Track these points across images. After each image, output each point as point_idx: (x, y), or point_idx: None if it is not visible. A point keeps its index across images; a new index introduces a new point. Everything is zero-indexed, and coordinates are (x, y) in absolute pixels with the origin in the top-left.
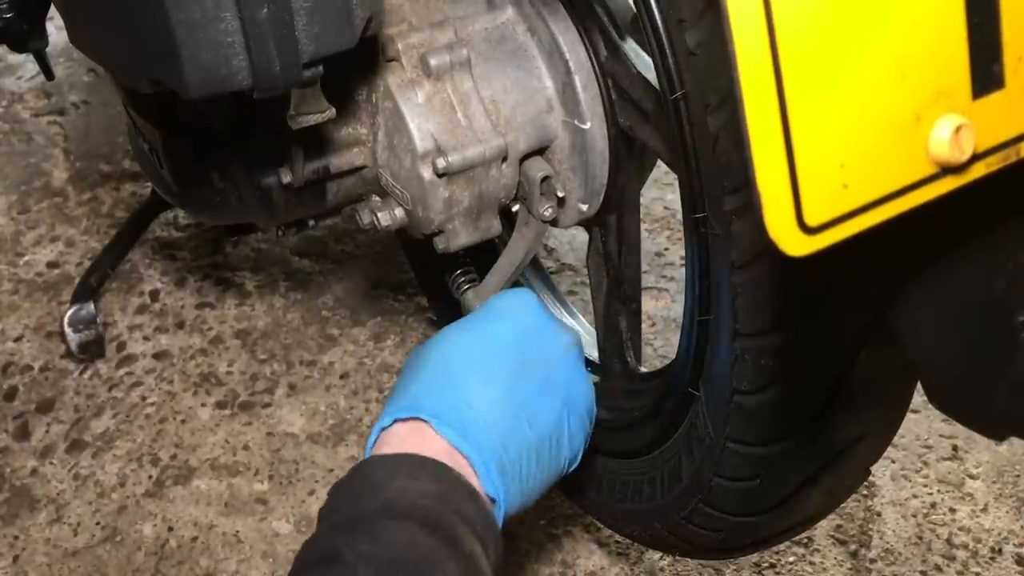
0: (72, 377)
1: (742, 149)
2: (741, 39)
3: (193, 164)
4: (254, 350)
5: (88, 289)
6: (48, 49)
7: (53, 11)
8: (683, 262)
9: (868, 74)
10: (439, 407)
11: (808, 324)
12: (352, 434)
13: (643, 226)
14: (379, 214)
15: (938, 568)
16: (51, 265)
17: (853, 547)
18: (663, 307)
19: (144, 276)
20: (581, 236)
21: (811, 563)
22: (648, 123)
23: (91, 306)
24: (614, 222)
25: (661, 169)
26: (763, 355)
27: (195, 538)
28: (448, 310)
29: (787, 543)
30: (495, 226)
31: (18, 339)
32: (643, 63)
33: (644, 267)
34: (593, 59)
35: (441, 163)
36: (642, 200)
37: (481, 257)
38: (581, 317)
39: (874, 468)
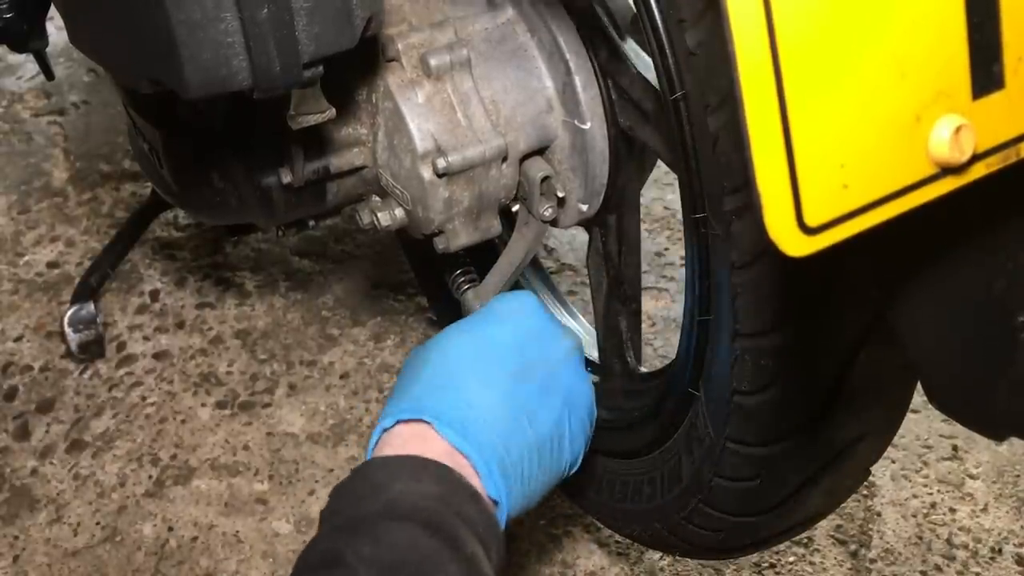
0: (72, 377)
1: (742, 149)
2: (741, 39)
3: (193, 164)
4: (254, 350)
5: (88, 289)
6: (48, 49)
7: (53, 11)
8: (683, 262)
9: (868, 74)
10: (441, 409)
11: (808, 324)
12: (352, 434)
13: (643, 226)
14: (379, 214)
15: (938, 568)
16: (51, 265)
17: (853, 547)
18: (663, 307)
19: (144, 276)
20: (581, 236)
21: (811, 563)
22: (648, 123)
23: (91, 306)
24: (614, 222)
25: (661, 169)
26: (763, 355)
27: (195, 538)
28: (448, 310)
29: (787, 543)
30: (495, 226)
31: (18, 339)
32: (643, 63)
33: (644, 267)
34: (593, 59)
35: (441, 163)
36: (642, 200)
37: (481, 257)
38: (581, 317)
39: (874, 468)
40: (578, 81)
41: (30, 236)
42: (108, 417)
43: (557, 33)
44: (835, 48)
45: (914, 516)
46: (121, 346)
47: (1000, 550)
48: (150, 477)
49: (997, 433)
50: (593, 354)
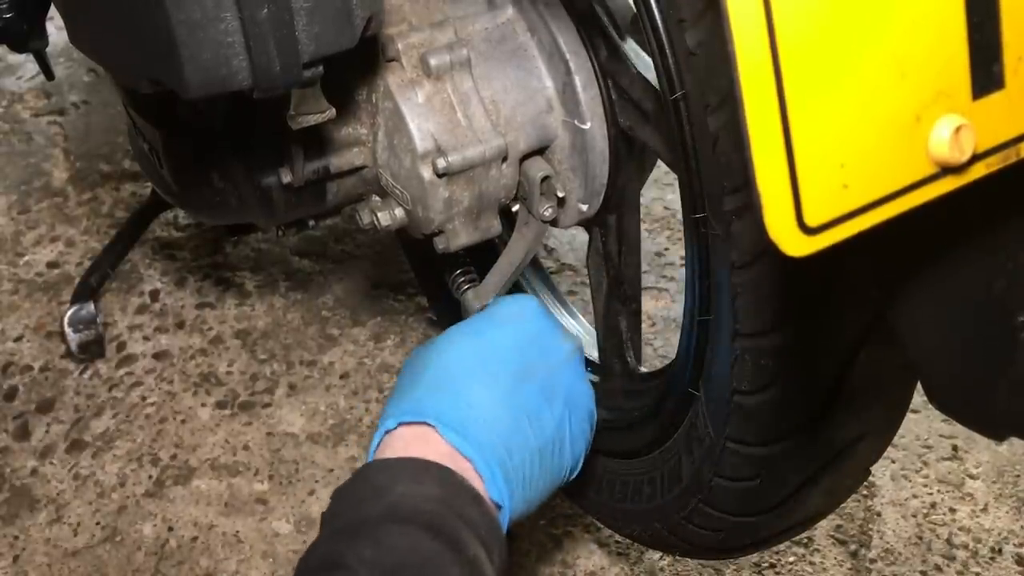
0: (72, 377)
1: (742, 149)
2: (741, 39)
3: (193, 164)
4: (254, 350)
5: (88, 289)
6: (48, 49)
7: (53, 11)
8: (683, 262)
9: (868, 74)
10: (443, 411)
11: (808, 324)
12: (352, 434)
13: (643, 226)
14: (379, 214)
15: (938, 568)
16: (51, 265)
17: (853, 547)
18: (663, 307)
19: (144, 276)
20: (581, 236)
21: (811, 563)
22: (648, 123)
23: (91, 306)
24: (614, 222)
25: (661, 169)
26: (763, 355)
27: (195, 538)
28: (448, 310)
29: (787, 543)
30: (495, 226)
31: (18, 339)
32: (643, 63)
33: (644, 267)
34: (593, 59)
35: (441, 163)
36: (642, 200)
37: (481, 257)
38: (581, 317)
39: (874, 468)
40: (578, 81)
41: (30, 236)
42: (108, 417)
43: (557, 33)
44: (835, 48)
45: (914, 516)
46: (121, 346)
47: (1000, 550)
48: (150, 477)
49: (997, 433)
50: (593, 354)
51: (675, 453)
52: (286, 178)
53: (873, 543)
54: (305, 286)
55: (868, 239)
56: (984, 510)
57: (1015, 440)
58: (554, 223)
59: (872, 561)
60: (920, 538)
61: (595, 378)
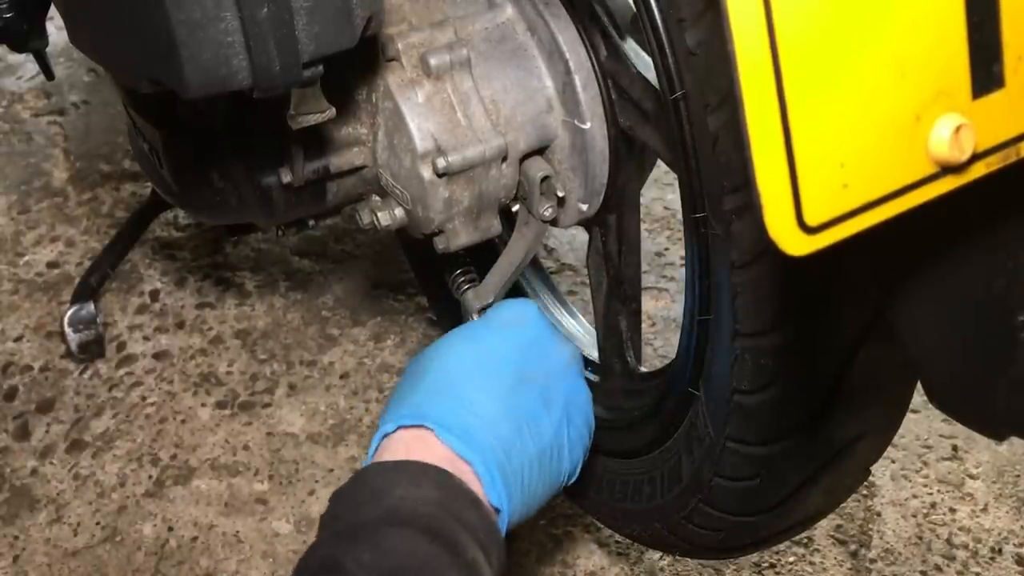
0: (72, 377)
1: (742, 149)
2: (741, 39)
3: (193, 164)
4: (254, 350)
5: (88, 289)
6: (48, 49)
7: (53, 11)
8: (683, 262)
9: (868, 74)
10: (442, 415)
11: (808, 323)
12: (352, 434)
13: (643, 226)
14: (379, 214)
15: (938, 568)
16: (51, 265)
17: (853, 547)
18: (663, 307)
19: (144, 276)
20: (581, 236)
21: (811, 563)
22: (648, 123)
23: (91, 306)
24: (614, 222)
25: (661, 169)
26: (763, 354)
27: (195, 538)
28: (448, 310)
29: (787, 543)
30: (495, 226)
31: (18, 339)
32: (643, 63)
33: (644, 267)
34: (593, 59)
35: (441, 163)
36: (642, 200)
37: (481, 257)
38: (581, 317)
39: (874, 468)
40: (578, 81)
41: (30, 236)
42: (108, 417)
43: (557, 32)
44: (835, 47)
45: (914, 516)
46: (121, 346)
47: (1000, 550)
48: (150, 477)
49: (997, 432)
50: (593, 354)
51: (675, 453)
52: (286, 178)
53: (873, 543)
54: (305, 286)
55: (868, 238)
56: (984, 510)
57: (1015, 440)
58: (554, 223)
59: (872, 561)
60: (920, 538)
61: (595, 378)
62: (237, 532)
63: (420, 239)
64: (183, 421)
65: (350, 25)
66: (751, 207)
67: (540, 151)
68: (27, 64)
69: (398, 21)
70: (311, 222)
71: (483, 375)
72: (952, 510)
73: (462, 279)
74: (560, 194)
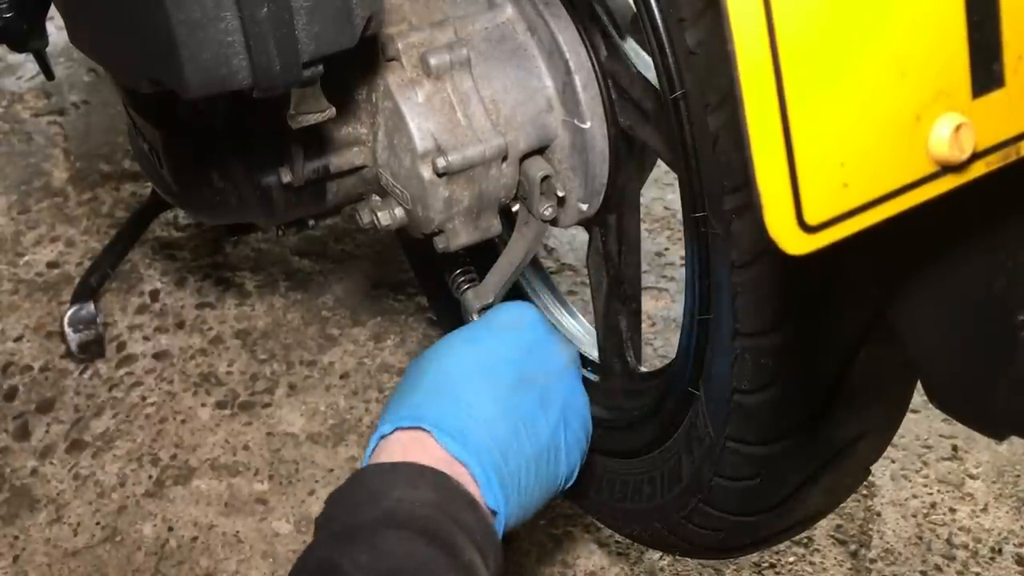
0: (72, 377)
1: (742, 148)
2: (741, 38)
3: (193, 164)
4: (254, 350)
5: (88, 289)
6: (48, 49)
7: (53, 11)
8: (683, 262)
9: (868, 73)
10: (440, 417)
11: (808, 323)
12: (352, 434)
13: (643, 226)
14: (379, 214)
15: (938, 568)
16: (51, 265)
17: (853, 547)
18: (663, 307)
19: (144, 276)
20: (581, 236)
21: (811, 563)
22: (648, 122)
23: (91, 306)
24: (614, 222)
25: (661, 169)
26: (763, 354)
27: (195, 538)
28: (448, 310)
29: (787, 543)
30: (495, 226)
31: (18, 339)
32: (643, 62)
33: (644, 267)
34: (593, 58)
35: (441, 162)
36: (642, 200)
37: (481, 257)
38: (581, 317)
39: (874, 468)
40: (578, 80)
41: (30, 236)
42: (108, 417)
43: (557, 32)
44: (835, 47)
45: (914, 516)
46: (121, 346)
47: (1000, 550)
48: (150, 477)
49: (997, 432)
50: (593, 354)
51: (675, 452)
52: (286, 178)
53: (873, 543)
54: (305, 286)
55: (868, 237)
56: (984, 510)
57: (1015, 440)
58: (554, 223)
59: (872, 561)
60: (920, 538)
61: (595, 378)
62: (237, 532)
63: (420, 239)
64: (183, 421)
65: (350, 25)
66: (751, 206)
67: (540, 151)
68: (27, 64)
69: (398, 21)
70: (311, 222)
71: (482, 377)
72: (952, 510)
73: (462, 279)
74: (560, 194)
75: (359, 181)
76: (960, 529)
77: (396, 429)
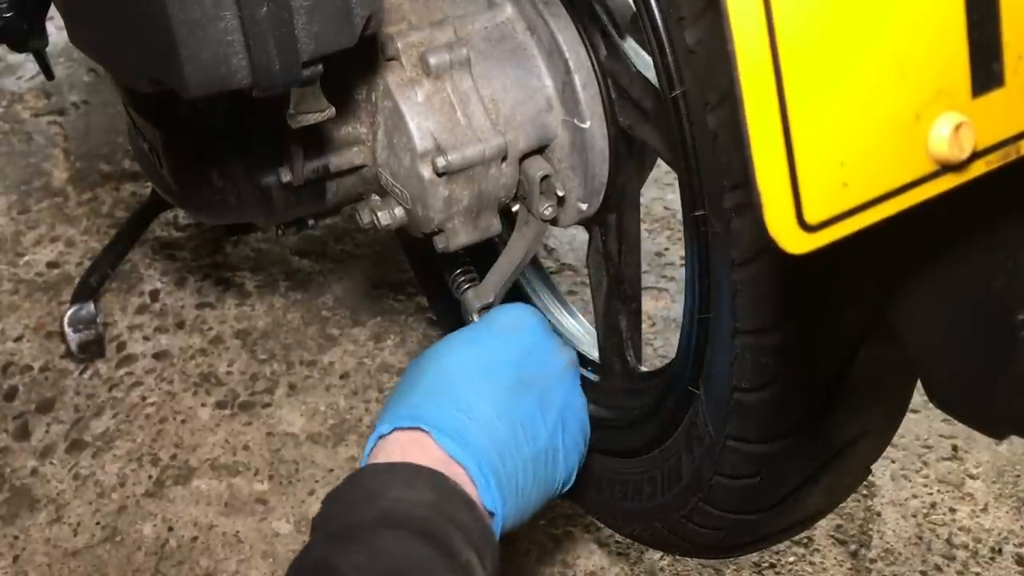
0: (72, 377)
1: (742, 147)
2: (741, 38)
3: (193, 164)
4: (254, 350)
5: (88, 289)
6: (48, 49)
7: (53, 11)
8: (683, 262)
9: (868, 73)
10: (439, 417)
11: (808, 322)
12: (352, 434)
13: (643, 226)
14: (379, 213)
15: (938, 568)
16: (51, 265)
17: (853, 547)
18: (663, 307)
19: (144, 276)
20: (581, 236)
21: (811, 563)
22: (648, 122)
23: (91, 306)
24: (614, 221)
25: (661, 169)
26: (763, 353)
27: (195, 538)
28: (448, 310)
29: (787, 543)
30: (495, 225)
31: (18, 339)
32: (643, 62)
33: (644, 267)
34: (593, 58)
35: (441, 162)
36: (642, 200)
37: (481, 257)
38: (581, 317)
39: (874, 468)
40: (577, 80)
41: (30, 236)
42: (108, 417)
43: (556, 32)
44: (835, 46)
45: (914, 516)
46: (121, 346)
47: (1000, 550)
48: (150, 477)
49: (997, 431)
50: (593, 354)
51: (675, 452)
52: (286, 177)
53: (873, 543)
54: (305, 286)
55: (868, 236)
56: (984, 510)
57: (1015, 439)
58: (554, 222)
59: (872, 561)
60: (920, 538)
61: (595, 377)
62: (237, 532)
63: (420, 239)
64: (183, 421)
65: (350, 24)
66: (751, 205)
67: (540, 150)
68: (27, 64)
69: (398, 20)
70: (311, 222)
71: (481, 379)
72: (952, 510)
73: (462, 278)
74: (560, 193)
75: (359, 181)
76: (960, 529)
77: (395, 429)
